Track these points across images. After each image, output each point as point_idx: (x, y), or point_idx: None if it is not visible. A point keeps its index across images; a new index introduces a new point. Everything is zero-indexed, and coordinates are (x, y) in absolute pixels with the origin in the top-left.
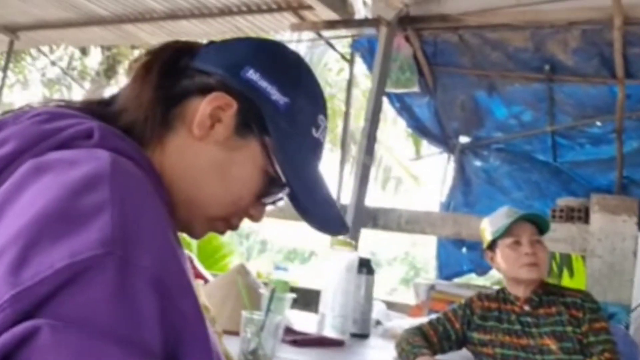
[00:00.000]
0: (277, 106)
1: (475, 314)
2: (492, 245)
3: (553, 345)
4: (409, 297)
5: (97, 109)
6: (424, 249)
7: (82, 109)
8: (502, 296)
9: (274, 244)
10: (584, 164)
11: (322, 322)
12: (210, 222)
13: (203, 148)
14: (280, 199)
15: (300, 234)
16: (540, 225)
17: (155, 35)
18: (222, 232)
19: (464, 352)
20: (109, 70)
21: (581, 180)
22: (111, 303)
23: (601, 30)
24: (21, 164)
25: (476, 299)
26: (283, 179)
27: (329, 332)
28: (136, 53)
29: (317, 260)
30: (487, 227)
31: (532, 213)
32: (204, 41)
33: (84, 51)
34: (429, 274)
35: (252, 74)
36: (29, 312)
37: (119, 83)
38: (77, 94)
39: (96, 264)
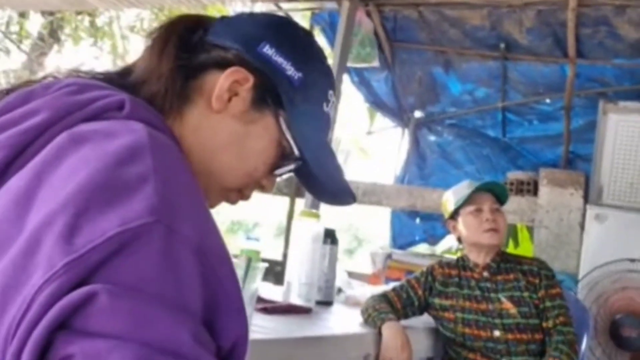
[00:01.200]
0: (292, 81)
1: (436, 281)
2: (454, 215)
3: (512, 310)
4: (352, 267)
5: (117, 80)
6: (367, 220)
7: (105, 80)
8: (461, 263)
9: (217, 214)
10: (532, 139)
11: (289, 290)
12: (225, 193)
13: (220, 121)
14: (291, 171)
15: (243, 205)
16: (499, 196)
17: (104, 1)
18: (234, 203)
19: (426, 317)
20: (51, 36)
21: (529, 155)
22: (160, 269)
23: (555, 11)
24: (53, 134)
25: (437, 266)
26: (296, 151)
27: (295, 300)
28: (79, 18)
29: (262, 231)
30: (450, 198)
31: (493, 182)
32: (186, 12)
33: (23, 15)
34: (372, 244)
35: (267, 49)
36: (82, 279)
37: (63, 49)
38: (16, 59)
39: (145, 232)
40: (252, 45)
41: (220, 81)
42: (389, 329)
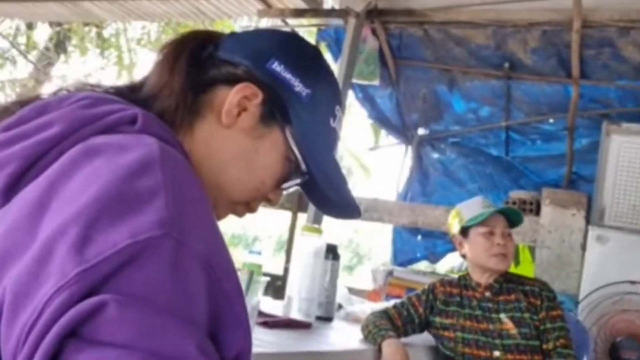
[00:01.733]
0: (300, 97)
1: (437, 299)
2: (463, 231)
3: (512, 330)
4: (352, 283)
5: (129, 94)
6: (367, 237)
7: (117, 94)
8: (463, 282)
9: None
10: (535, 159)
11: (289, 305)
12: (233, 206)
13: (230, 135)
14: (297, 184)
15: (244, 218)
16: (512, 219)
17: (112, 13)
18: (241, 215)
19: (426, 335)
20: (58, 46)
21: (531, 174)
22: (168, 281)
23: (560, 32)
24: (66, 146)
25: (439, 284)
26: (303, 166)
27: (295, 315)
28: (87, 30)
29: (262, 245)
30: (461, 214)
31: (510, 208)
32: (193, 26)
33: (30, 26)
34: (373, 260)
35: (276, 66)
36: (93, 289)
37: (70, 59)
38: (23, 69)
39: (154, 245)
40: (262, 61)
41: (230, 96)
42: (389, 346)
